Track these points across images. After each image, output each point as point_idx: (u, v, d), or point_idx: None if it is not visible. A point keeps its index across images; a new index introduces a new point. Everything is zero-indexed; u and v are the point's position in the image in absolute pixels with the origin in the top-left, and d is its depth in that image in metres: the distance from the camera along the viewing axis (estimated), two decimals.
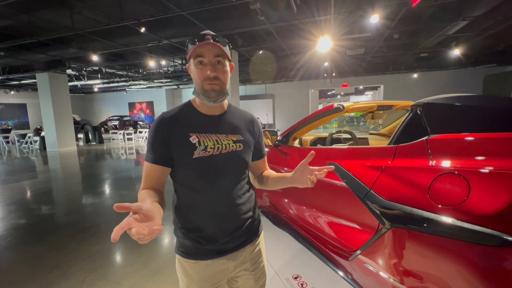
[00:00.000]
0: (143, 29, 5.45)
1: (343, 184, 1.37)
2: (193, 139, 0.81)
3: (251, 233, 0.92)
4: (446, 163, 0.94)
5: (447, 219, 0.82)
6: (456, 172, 0.87)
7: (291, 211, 1.95)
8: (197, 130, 0.83)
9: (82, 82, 12.69)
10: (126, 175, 5.92)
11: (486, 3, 5.09)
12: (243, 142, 0.89)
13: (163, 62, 9.66)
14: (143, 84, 15.12)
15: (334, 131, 2.36)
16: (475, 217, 0.76)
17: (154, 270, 2.17)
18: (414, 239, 0.91)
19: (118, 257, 2.44)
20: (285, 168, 1.97)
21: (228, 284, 0.94)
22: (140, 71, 11.33)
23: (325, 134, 2.55)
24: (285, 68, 11.37)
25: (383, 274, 1.07)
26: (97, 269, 2.23)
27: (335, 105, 1.84)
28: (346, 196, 1.35)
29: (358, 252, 1.19)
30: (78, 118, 15.58)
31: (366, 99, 23.70)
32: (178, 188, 0.86)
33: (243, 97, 15.45)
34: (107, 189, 4.89)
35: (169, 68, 11.17)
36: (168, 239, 2.80)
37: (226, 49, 0.82)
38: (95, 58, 7.89)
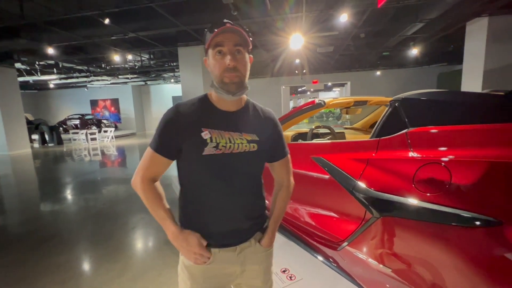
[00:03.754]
0: (107, 21, 5.07)
1: (329, 177, 1.41)
2: (205, 134, 0.77)
3: (259, 235, 0.89)
4: (425, 154, 1.01)
5: (431, 206, 0.88)
6: (438, 162, 0.94)
7: None
8: (210, 125, 0.79)
9: (35, 78, 11.46)
10: (91, 177, 5.51)
11: (439, 7, 5.57)
12: (258, 143, 0.83)
13: (129, 57, 9.10)
14: (107, 80, 14.11)
15: (313, 126, 2.42)
16: (457, 202, 0.83)
17: (134, 276, 2.06)
18: (402, 226, 0.97)
19: (90, 266, 2.27)
20: None
21: None
22: (103, 66, 10.54)
23: (305, 129, 2.61)
24: (257, 64, 11.39)
25: (372, 261, 1.12)
26: (68, 280, 2.05)
27: (317, 101, 1.88)
28: (332, 188, 1.39)
29: (347, 242, 1.24)
30: (31, 118, 14.07)
31: (334, 95, 24.75)
32: (185, 182, 0.83)
33: None
34: (69, 194, 4.51)
35: (135, 63, 10.55)
36: (143, 243, 2.67)
37: (247, 37, 0.77)
38: (50, 51, 7.15)
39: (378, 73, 14.18)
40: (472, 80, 6.38)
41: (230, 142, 0.79)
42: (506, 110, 0.94)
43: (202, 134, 0.77)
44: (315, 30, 6.52)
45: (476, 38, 6.14)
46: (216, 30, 0.73)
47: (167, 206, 0.82)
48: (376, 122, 3.00)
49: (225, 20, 0.76)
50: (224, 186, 0.79)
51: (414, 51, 9.02)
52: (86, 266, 2.28)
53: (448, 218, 0.83)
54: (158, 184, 0.83)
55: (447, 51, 9.80)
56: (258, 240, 0.88)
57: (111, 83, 15.52)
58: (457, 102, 1.14)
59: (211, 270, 0.82)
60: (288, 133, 2.58)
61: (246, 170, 0.83)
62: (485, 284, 0.74)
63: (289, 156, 0.96)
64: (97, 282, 2.02)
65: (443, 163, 0.92)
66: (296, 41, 6.49)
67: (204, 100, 0.84)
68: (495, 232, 0.73)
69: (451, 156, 0.91)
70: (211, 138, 0.77)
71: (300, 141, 2.37)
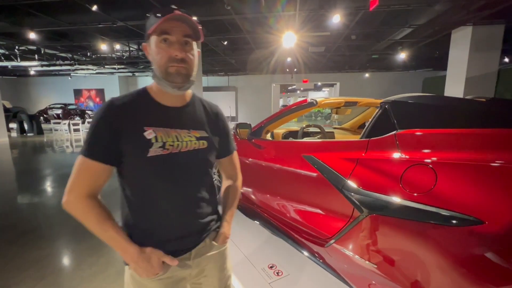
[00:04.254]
0: (94, 7, 4.87)
1: (318, 175, 1.44)
2: (149, 134, 0.70)
3: (214, 234, 0.86)
4: (413, 155, 1.04)
5: (418, 205, 0.92)
6: (424, 163, 0.97)
7: (264, 202, 1.98)
8: (154, 123, 0.72)
9: (14, 63, 10.88)
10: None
11: (427, 14, 5.74)
12: (207, 140, 0.80)
13: (117, 46, 8.81)
14: (92, 70, 13.61)
15: (303, 125, 2.45)
16: (442, 202, 0.86)
17: (118, 271, 2.01)
18: (389, 225, 1.01)
19: (72, 261, 2.20)
20: (260, 161, 1.99)
21: None
22: (89, 54, 10.15)
23: (296, 128, 2.63)
24: (249, 61, 11.33)
25: (358, 257, 1.16)
26: (47, 276, 1.99)
27: (309, 100, 1.90)
28: (322, 186, 1.42)
29: (335, 239, 1.27)
30: (8, 105, 13.39)
31: (324, 95, 25.08)
32: (129, 188, 0.74)
33: (205, 89, 15.03)
34: (49, 186, 4.34)
35: (123, 54, 10.23)
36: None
37: (198, 28, 0.71)
38: (32, 36, 6.80)
39: (367, 75, 14.48)
40: (454, 86, 6.64)
41: (178, 140, 0.73)
42: (488, 116, 1.00)
43: (145, 133, 0.69)
44: (308, 29, 6.56)
45: (460, 46, 6.38)
46: (162, 15, 0.66)
47: (117, 223, 0.71)
48: (365, 123, 3.09)
49: (173, 6, 0.69)
50: (174, 189, 0.73)
51: (402, 56, 9.27)
52: (67, 260, 2.22)
53: (433, 217, 0.87)
54: (99, 199, 0.71)
55: (433, 57, 10.13)
56: (212, 239, 0.84)
57: (97, 73, 14.98)
58: (444, 106, 1.18)
59: (166, 279, 0.75)
60: (279, 131, 2.60)
61: (197, 169, 0.78)
62: (467, 281, 0.78)
63: (236, 151, 0.95)
64: (78, 277, 1.97)
65: (429, 165, 0.95)
66: (289, 39, 6.50)
67: (144, 94, 0.75)
68: (477, 231, 0.77)
69: (436, 158, 0.95)
70: (156, 137, 0.70)
71: (291, 139, 2.40)
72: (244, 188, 2.27)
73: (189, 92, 0.82)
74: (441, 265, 0.84)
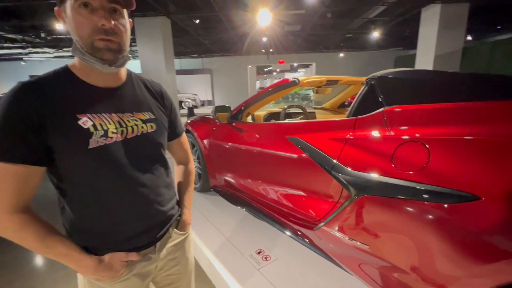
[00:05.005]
0: None
1: (304, 157, 1.39)
2: (85, 122, 0.58)
3: (175, 223, 0.82)
4: (402, 132, 1.01)
5: (411, 184, 0.90)
6: (415, 140, 0.95)
7: (249, 188, 1.92)
8: (88, 109, 0.60)
9: None
10: None
11: None
12: (155, 121, 0.71)
13: None
14: (49, 53, 12.31)
15: (285, 106, 2.38)
16: (436, 179, 0.85)
17: None
18: (382, 205, 0.99)
19: (43, 263, 2.03)
20: (243, 146, 1.90)
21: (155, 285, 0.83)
22: (43, 35, 9.08)
23: (277, 109, 2.56)
24: (223, 41, 10.87)
25: (350, 239, 1.15)
26: (16, 280, 1.82)
27: (291, 79, 1.82)
28: (309, 169, 1.38)
29: (325, 221, 1.25)
30: None
31: (300, 76, 25.08)
32: (69, 190, 0.62)
33: (178, 72, 14.34)
34: None
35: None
36: None
37: None
38: None
39: (342, 55, 14.61)
40: (424, 64, 6.89)
41: (122, 126, 0.64)
42: (479, 89, 0.98)
43: (80, 122, 0.58)
44: (283, 7, 6.34)
45: (429, 24, 6.56)
46: None
47: (62, 234, 0.62)
48: (344, 102, 3.09)
49: None
50: (126, 181, 0.64)
51: (375, 35, 9.39)
52: (38, 262, 2.04)
53: (426, 195, 0.86)
54: (32, 210, 0.60)
55: (404, 36, 10.39)
56: (175, 226, 0.81)
57: (55, 57, 13.62)
58: (432, 81, 1.15)
59: (131, 278, 0.69)
60: (260, 113, 2.51)
61: (150, 155, 0.70)
62: (465, 259, 0.78)
63: (184, 133, 0.91)
64: (52, 278, 1.82)
65: (420, 141, 0.93)
66: (264, 17, 6.26)
67: (66, 74, 0.62)
68: (473, 207, 0.76)
69: (428, 134, 0.93)
70: (94, 125, 0.59)
71: (273, 121, 2.33)
72: (227, 174, 2.19)
73: (124, 69, 0.71)
74: (436, 243, 0.84)
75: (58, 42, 9.93)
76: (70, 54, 12.73)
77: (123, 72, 0.70)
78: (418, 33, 7.02)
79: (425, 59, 6.83)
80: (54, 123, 0.56)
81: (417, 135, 0.96)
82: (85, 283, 0.69)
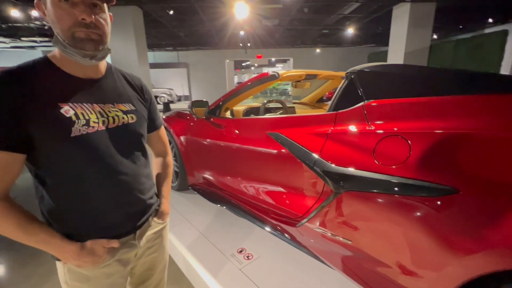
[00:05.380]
0: None
1: (285, 152, 1.36)
2: (67, 111, 0.60)
3: (154, 212, 0.85)
4: (383, 127, 1.01)
5: (393, 178, 0.90)
6: (396, 134, 0.95)
7: (229, 185, 1.87)
8: (70, 99, 0.62)
9: None
10: None
11: None
12: (135, 113, 0.74)
13: (35, 13, 7.25)
14: (5, 43, 11.19)
15: (264, 101, 2.34)
16: (417, 173, 0.85)
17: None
18: (364, 200, 0.98)
19: (1, 275, 1.83)
20: (222, 142, 1.83)
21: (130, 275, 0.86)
22: None
23: (257, 104, 2.50)
24: (199, 34, 10.55)
25: (333, 234, 1.14)
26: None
27: (270, 72, 1.77)
28: (290, 165, 1.35)
29: (307, 218, 1.23)
30: None
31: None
32: (50, 178, 0.63)
33: (152, 65, 13.73)
34: None
35: (44, 23, 8.53)
36: None
37: None
38: None
39: (318, 50, 14.85)
40: (395, 61, 7.19)
41: (103, 116, 0.66)
42: (461, 83, 1.00)
43: (62, 110, 0.60)
44: (260, 0, 6.25)
45: (400, 22, 6.83)
46: None
47: (42, 222, 0.64)
48: (323, 97, 3.11)
49: None
50: (107, 169, 0.66)
51: (350, 31, 9.63)
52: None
53: (407, 189, 0.86)
54: (12, 199, 0.61)
55: (377, 33, 10.76)
56: (154, 216, 0.84)
57: (12, 47, 12.42)
58: (410, 75, 1.16)
59: (111, 264, 0.71)
60: (239, 108, 2.44)
61: (130, 145, 0.73)
62: (446, 252, 0.79)
63: (163, 126, 0.94)
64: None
65: (401, 135, 0.93)
66: (241, 9, 6.13)
67: (47, 64, 0.63)
68: (453, 200, 0.77)
69: (408, 128, 0.93)
70: (76, 114, 0.61)
71: (252, 116, 2.27)
72: (206, 172, 2.11)
73: (104, 62, 0.73)
74: (418, 237, 0.85)
75: (15, 31, 9.03)
76: (29, 44, 11.67)
77: (103, 65, 0.72)
78: (390, 31, 7.29)
79: (396, 55, 7.12)
80: (36, 111, 0.57)
81: (396, 129, 0.96)
82: (65, 272, 0.69)
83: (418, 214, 0.84)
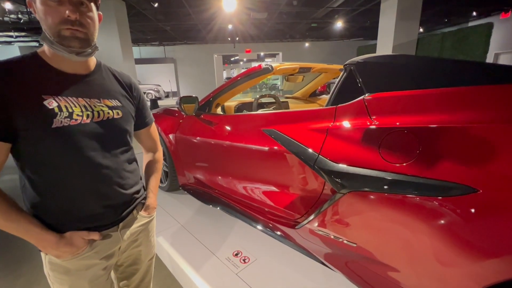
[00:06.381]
0: None
1: (283, 150, 1.28)
2: (50, 103, 0.62)
3: (140, 206, 0.85)
4: (387, 121, 0.95)
5: (402, 177, 0.84)
6: (402, 129, 0.88)
7: (223, 185, 1.78)
8: (55, 92, 0.64)
9: None
10: None
11: None
12: (121, 109, 0.75)
13: (8, 5, 6.81)
14: None
15: (257, 96, 2.25)
16: (429, 171, 0.79)
17: None
18: (370, 200, 0.92)
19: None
20: (213, 140, 1.73)
21: (116, 268, 0.87)
22: None
23: (249, 99, 2.41)
24: (186, 28, 10.27)
25: (336, 236, 1.07)
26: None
27: (263, 65, 1.68)
28: (289, 163, 1.27)
29: (308, 219, 1.16)
30: None
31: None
32: (32, 168, 0.65)
33: (138, 61, 13.30)
34: None
35: (21, 16, 8.05)
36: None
37: None
38: None
39: (307, 44, 14.81)
40: (384, 54, 7.22)
41: (88, 110, 0.68)
42: (465, 74, 0.94)
43: (45, 102, 0.62)
44: None
45: (388, 14, 6.82)
46: None
47: (23, 210, 0.65)
48: (315, 91, 3.05)
49: None
50: (88, 162, 0.67)
51: (338, 25, 9.60)
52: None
53: (418, 189, 0.80)
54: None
55: (365, 26, 10.79)
56: (140, 210, 0.85)
57: None
58: (415, 66, 1.09)
59: (93, 256, 0.71)
60: (230, 103, 2.34)
61: (113, 140, 0.73)
62: (464, 257, 0.73)
63: (154, 123, 0.96)
64: None
65: (407, 131, 0.87)
66: (229, 2, 5.96)
67: (35, 59, 0.65)
68: (471, 200, 0.71)
69: (416, 123, 0.87)
70: (59, 107, 0.63)
71: (245, 112, 2.18)
72: (197, 171, 2.01)
73: (93, 59, 0.75)
74: (430, 239, 0.79)
75: None
76: (4, 39, 11.08)
77: (92, 61, 0.74)
78: (378, 24, 7.29)
79: (384, 48, 7.14)
80: (20, 101, 0.60)
81: (398, 123, 0.90)
82: (46, 263, 0.70)
83: (432, 216, 0.78)
